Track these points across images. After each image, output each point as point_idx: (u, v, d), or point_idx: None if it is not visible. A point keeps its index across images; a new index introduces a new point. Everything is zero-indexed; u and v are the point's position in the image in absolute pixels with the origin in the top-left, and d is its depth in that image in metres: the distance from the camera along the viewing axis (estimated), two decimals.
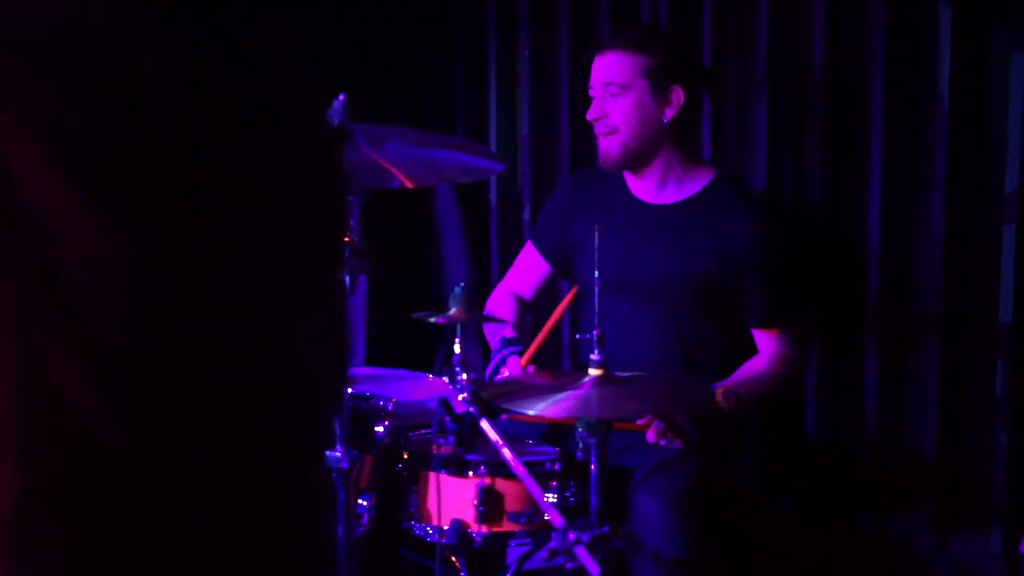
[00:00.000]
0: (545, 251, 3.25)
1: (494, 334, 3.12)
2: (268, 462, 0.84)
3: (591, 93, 3.02)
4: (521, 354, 2.97)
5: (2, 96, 0.69)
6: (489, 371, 3.01)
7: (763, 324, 2.98)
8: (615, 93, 2.96)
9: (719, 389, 2.80)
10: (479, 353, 3.07)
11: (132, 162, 0.72)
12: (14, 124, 0.69)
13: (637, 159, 3.00)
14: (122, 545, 0.72)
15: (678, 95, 2.95)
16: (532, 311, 3.35)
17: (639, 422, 2.78)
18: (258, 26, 0.83)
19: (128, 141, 0.72)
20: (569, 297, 2.94)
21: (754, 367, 2.95)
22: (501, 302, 3.29)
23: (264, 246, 0.82)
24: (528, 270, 3.30)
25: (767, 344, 2.98)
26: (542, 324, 2.93)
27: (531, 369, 2.92)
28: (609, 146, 2.99)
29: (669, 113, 2.96)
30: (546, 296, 3.37)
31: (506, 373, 2.95)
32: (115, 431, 0.72)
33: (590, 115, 3.01)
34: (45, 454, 0.69)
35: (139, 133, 0.73)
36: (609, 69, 2.97)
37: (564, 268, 3.25)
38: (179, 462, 0.76)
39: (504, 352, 2.99)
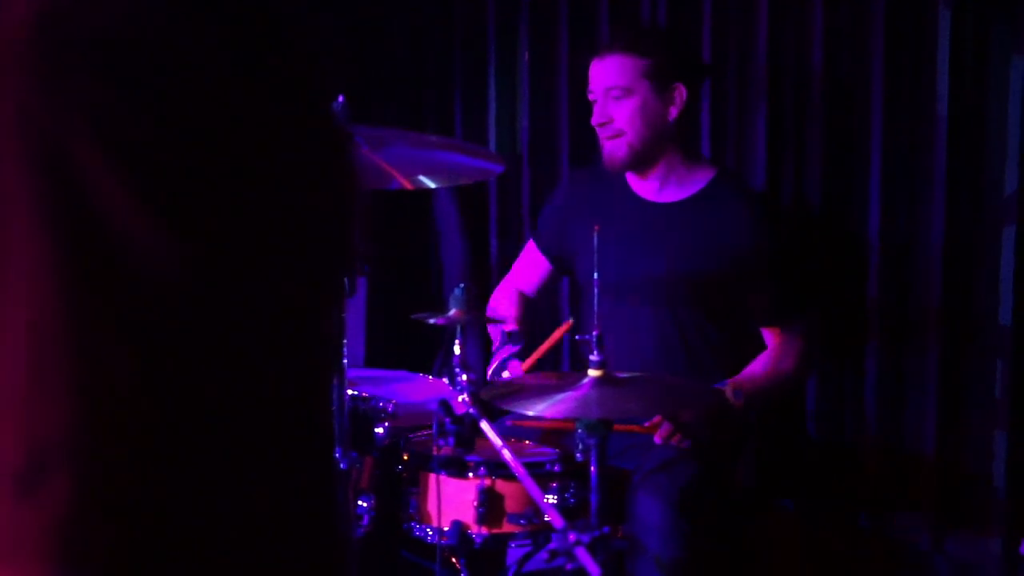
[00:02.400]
0: (545, 250, 3.26)
1: (496, 328, 3.13)
2: (305, 471, 0.85)
3: (591, 97, 3.00)
4: (522, 358, 2.97)
5: (67, 96, 0.70)
6: (490, 370, 3.02)
7: (770, 322, 2.98)
8: (618, 96, 2.94)
9: (729, 385, 2.81)
10: (479, 354, 3.08)
11: (188, 164, 0.73)
12: (79, 124, 0.70)
13: (643, 160, 2.99)
14: (167, 558, 0.73)
15: (681, 93, 2.95)
16: (536, 306, 3.35)
17: (645, 424, 2.79)
18: (294, 31, 0.85)
19: (185, 143, 0.73)
20: (564, 328, 2.95)
21: (762, 363, 2.96)
22: (504, 298, 3.29)
23: (303, 248, 0.83)
24: (530, 268, 3.31)
25: (775, 340, 2.98)
26: (544, 321, 2.93)
27: (530, 360, 2.94)
28: (615, 148, 2.98)
29: (673, 112, 2.96)
30: (549, 293, 3.37)
31: (506, 375, 2.96)
32: (173, 441, 0.73)
33: (595, 120, 2.99)
34: (102, 461, 0.70)
35: (196, 135, 0.74)
36: (610, 72, 2.95)
37: (564, 267, 3.26)
38: (225, 475, 0.77)
39: (505, 352, 2.99)
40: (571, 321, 3.02)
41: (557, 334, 2.94)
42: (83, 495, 0.69)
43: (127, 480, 0.70)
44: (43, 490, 0.68)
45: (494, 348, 3.06)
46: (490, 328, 3.22)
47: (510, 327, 3.07)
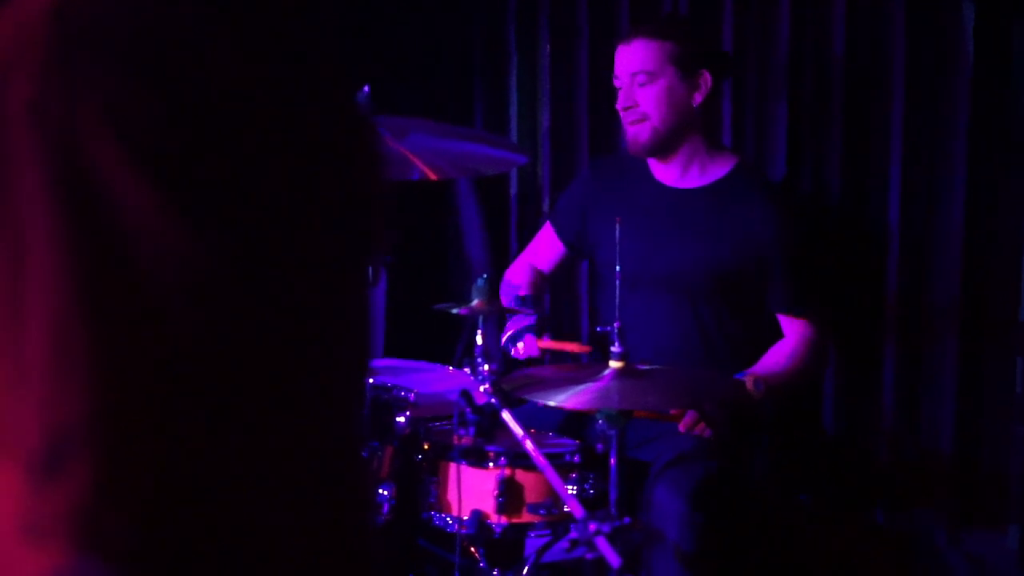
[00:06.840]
0: (562, 234, 3.28)
1: (509, 294, 3.15)
2: (335, 462, 0.86)
3: (616, 83, 3.02)
4: (537, 334, 2.99)
5: (80, 88, 0.71)
6: (504, 338, 3.03)
7: (787, 310, 2.98)
8: (643, 81, 2.96)
9: (749, 377, 2.81)
10: (500, 345, 3.08)
11: (202, 155, 0.74)
12: (92, 115, 0.70)
13: (666, 144, 3.01)
14: (184, 545, 0.74)
15: (706, 79, 2.97)
16: (551, 284, 3.39)
17: (671, 411, 2.81)
18: (314, 22, 0.85)
19: (200, 134, 0.73)
20: (580, 350, 3.03)
21: (780, 354, 2.96)
22: (518, 271, 3.33)
23: (326, 239, 0.83)
24: (545, 249, 3.34)
25: (792, 329, 2.98)
26: (563, 312, 2.93)
27: (546, 342, 2.96)
28: (639, 132, 2.99)
29: (698, 98, 2.98)
30: (568, 283, 3.38)
31: (520, 347, 2.98)
32: (190, 430, 0.74)
33: (620, 104, 3.00)
34: (120, 448, 0.71)
35: (211, 127, 0.74)
36: (636, 57, 2.97)
37: (580, 253, 3.29)
38: (246, 465, 0.77)
39: (519, 323, 3.01)
40: (590, 348, 3.05)
41: (574, 347, 2.99)
42: (103, 480, 0.69)
43: (147, 466, 0.71)
44: (63, 475, 0.69)
45: (507, 317, 3.09)
46: (502, 294, 3.22)
47: (523, 291, 3.09)
